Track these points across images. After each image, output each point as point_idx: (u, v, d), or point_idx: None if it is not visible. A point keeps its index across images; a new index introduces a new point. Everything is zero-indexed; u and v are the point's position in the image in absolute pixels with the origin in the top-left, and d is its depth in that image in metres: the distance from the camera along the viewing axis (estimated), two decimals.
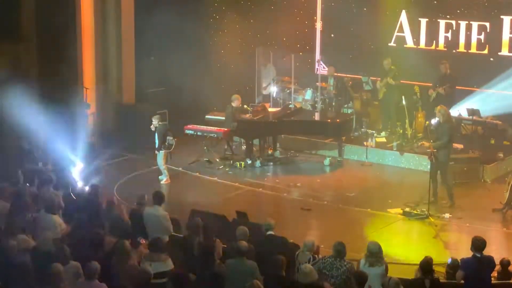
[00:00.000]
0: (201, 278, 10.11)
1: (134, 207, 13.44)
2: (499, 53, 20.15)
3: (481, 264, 10.94)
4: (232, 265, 10.72)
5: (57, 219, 12.23)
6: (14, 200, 12.79)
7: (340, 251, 10.76)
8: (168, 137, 17.64)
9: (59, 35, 18.00)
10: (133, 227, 12.70)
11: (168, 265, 10.80)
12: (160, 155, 17.73)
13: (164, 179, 17.82)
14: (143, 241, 12.06)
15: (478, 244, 11.04)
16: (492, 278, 11.62)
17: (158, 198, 12.83)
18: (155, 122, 17.78)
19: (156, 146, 17.67)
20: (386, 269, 10.82)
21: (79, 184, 16.18)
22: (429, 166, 16.23)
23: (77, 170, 17.02)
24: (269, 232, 11.85)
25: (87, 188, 13.81)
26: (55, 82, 18.36)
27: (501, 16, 20.03)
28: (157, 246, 11.00)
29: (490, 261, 11.08)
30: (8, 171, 15.58)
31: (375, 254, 10.76)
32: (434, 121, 16.69)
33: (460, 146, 18.60)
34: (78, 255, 10.55)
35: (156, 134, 17.69)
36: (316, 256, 11.14)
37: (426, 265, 10.67)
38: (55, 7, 18.82)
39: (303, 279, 10.05)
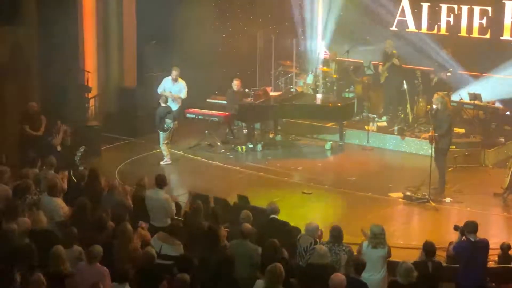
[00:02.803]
0: (206, 262, 10.17)
1: (135, 190, 13.46)
2: (501, 38, 20.12)
3: (475, 247, 10.96)
4: (234, 246, 10.81)
5: (60, 202, 12.26)
6: (16, 183, 12.80)
7: (336, 236, 10.81)
8: (167, 120, 17.66)
9: (60, 18, 17.94)
10: (134, 210, 12.76)
11: (179, 250, 10.86)
12: (160, 136, 17.79)
13: (163, 161, 17.86)
14: (143, 225, 12.10)
15: (472, 227, 11.05)
16: (492, 262, 11.69)
17: (160, 182, 12.84)
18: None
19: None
20: (389, 251, 10.85)
21: (80, 167, 16.20)
22: (430, 151, 16.23)
23: (78, 154, 17.03)
24: (272, 216, 11.88)
25: (87, 172, 13.81)
26: (56, 66, 18.34)
27: (503, 1, 19.98)
28: (174, 231, 11.17)
29: (484, 244, 11.08)
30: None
31: (378, 236, 10.78)
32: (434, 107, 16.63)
33: (461, 130, 18.60)
34: (81, 238, 10.60)
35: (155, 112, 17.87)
36: (318, 240, 11.17)
37: (430, 248, 10.70)
38: None
39: (318, 259, 10.10)
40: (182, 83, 19.01)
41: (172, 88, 18.93)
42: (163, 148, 17.90)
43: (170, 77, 19.03)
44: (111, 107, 20.71)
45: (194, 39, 21.14)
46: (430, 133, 16.17)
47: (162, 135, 17.81)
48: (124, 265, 9.93)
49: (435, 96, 16.23)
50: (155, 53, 21.05)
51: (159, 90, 18.95)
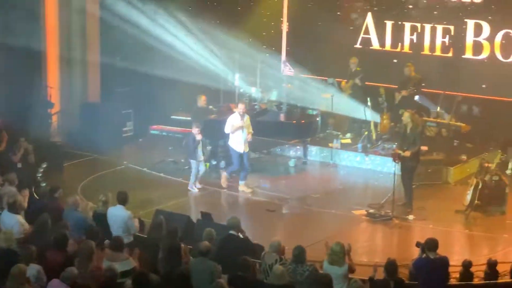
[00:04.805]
0: (167, 278, 10.11)
1: (98, 207, 13.37)
2: (463, 56, 20.33)
3: (433, 264, 11.01)
4: (193, 264, 10.79)
5: (20, 219, 12.13)
6: None
7: (299, 256, 10.80)
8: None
9: (23, 34, 17.85)
10: (97, 228, 12.64)
11: (129, 264, 10.75)
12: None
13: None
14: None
15: (432, 244, 11.11)
16: (454, 279, 11.73)
17: (122, 198, 12.78)
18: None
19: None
20: (349, 270, 10.85)
21: (42, 184, 16.06)
22: (393, 168, 16.31)
23: (40, 170, 16.90)
24: (230, 232, 11.85)
25: (49, 188, 13.70)
26: (19, 82, 18.21)
27: (465, 20, 20.21)
28: (117, 245, 10.98)
29: (443, 261, 11.13)
30: None
31: (337, 253, 10.79)
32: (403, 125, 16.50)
33: (424, 148, 18.71)
34: (41, 256, 10.48)
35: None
36: (282, 257, 11.16)
37: (391, 267, 10.72)
38: (20, 6, 18.67)
39: (276, 280, 10.08)
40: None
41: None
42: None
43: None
44: (75, 123, 20.58)
45: (159, 55, 21.07)
46: (394, 151, 16.27)
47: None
48: (86, 283, 9.83)
49: (405, 114, 16.28)
50: (120, 69, 20.97)
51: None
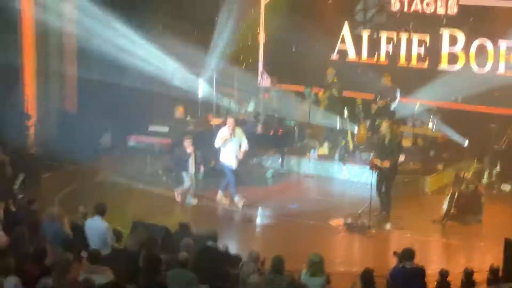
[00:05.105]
0: None
1: (75, 219, 13.33)
2: (438, 67, 20.49)
3: (410, 274, 11.08)
4: (171, 275, 10.78)
5: None
6: None
7: (277, 266, 10.81)
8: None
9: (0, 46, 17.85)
10: (75, 239, 12.62)
11: (108, 277, 10.73)
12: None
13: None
14: None
15: (408, 254, 11.18)
16: None
17: (100, 209, 12.74)
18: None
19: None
20: (327, 280, 10.89)
21: (20, 196, 15.99)
22: (371, 178, 16.39)
23: (17, 182, 16.82)
24: (209, 243, 11.87)
25: (26, 200, 13.64)
26: None
27: (440, 30, 20.37)
28: (94, 257, 10.96)
29: (419, 271, 11.21)
30: None
31: (316, 265, 10.84)
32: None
33: (401, 158, 18.79)
34: (18, 269, 10.44)
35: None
36: (260, 267, 11.18)
37: (367, 277, 10.77)
38: None
39: None
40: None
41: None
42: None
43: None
44: (52, 134, 20.49)
45: (136, 66, 21.04)
46: (372, 161, 16.35)
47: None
48: None
49: (384, 124, 16.35)
50: (97, 81, 20.92)
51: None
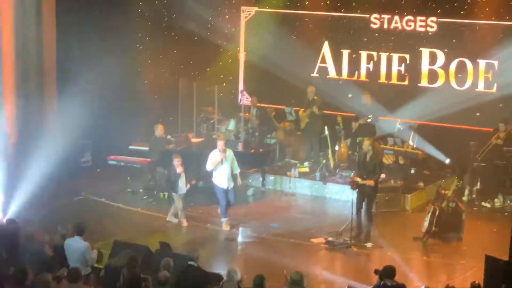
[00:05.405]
0: None
1: (55, 239, 13.22)
2: (419, 84, 20.59)
3: None
4: None
5: None
6: None
7: (259, 284, 10.79)
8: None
9: None
10: (54, 259, 12.52)
11: None
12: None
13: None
14: None
15: (389, 272, 11.18)
16: None
17: (79, 229, 12.67)
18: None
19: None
20: None
21: None
22: (352, 196, 16.39)
23: None
24: (190, 262, 11.82)
25: (4, 221, 13.54)
26: None
27: (420, 48, 20.50)
28: (74, 276, 10.88)
29: None
30: None
31: (297, 283, 10.81)
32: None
33: (382, 175, 18.83)
34: None
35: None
36: (241, 286, 11.14)
37: None
38: None
39: None
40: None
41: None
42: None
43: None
44: (32, 154, 20.35)
45: (116, 86, 21.01)
46: (353, 179, 16.37)
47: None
48: None
49: (365, 142, 16.36)
50: (78, 99, 20.85)
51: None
